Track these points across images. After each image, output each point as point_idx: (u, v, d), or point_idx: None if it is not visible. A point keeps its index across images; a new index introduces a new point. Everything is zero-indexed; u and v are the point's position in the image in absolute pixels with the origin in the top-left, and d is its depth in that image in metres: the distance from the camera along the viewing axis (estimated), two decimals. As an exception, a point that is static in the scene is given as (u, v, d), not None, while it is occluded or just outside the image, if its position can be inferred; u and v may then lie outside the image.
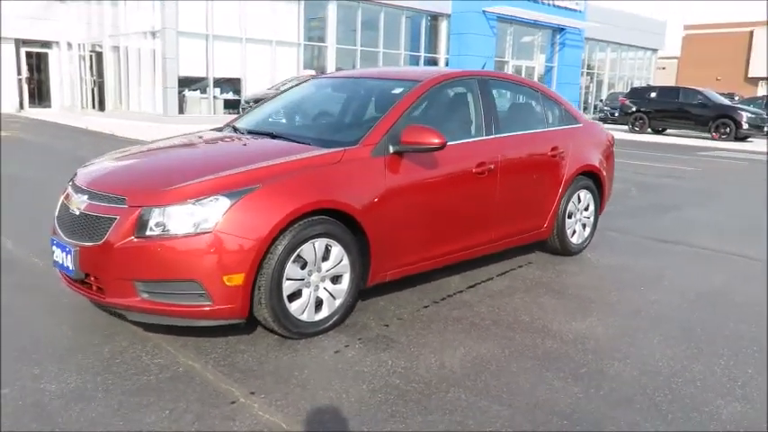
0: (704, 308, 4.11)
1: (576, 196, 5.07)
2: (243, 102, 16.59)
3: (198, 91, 18.51)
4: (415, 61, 23.96)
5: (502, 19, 24.45)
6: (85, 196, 3.28)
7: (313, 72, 20.14)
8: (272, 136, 3.96)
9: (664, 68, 52.69)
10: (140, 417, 2.56)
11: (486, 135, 4.30)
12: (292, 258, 3.20)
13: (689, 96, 20.83)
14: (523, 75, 26.56)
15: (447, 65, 24.50)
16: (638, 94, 22.61)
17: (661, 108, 21.22)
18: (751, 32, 60.40)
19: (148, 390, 2.78)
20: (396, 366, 3.09)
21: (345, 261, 3.45)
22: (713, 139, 19.76)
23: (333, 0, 20.62)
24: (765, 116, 20.33)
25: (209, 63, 18.44)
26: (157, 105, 18.22)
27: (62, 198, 3.61)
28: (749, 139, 20.18)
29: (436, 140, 3.62)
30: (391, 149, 3.66)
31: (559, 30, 27.33)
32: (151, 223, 3.02)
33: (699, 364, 3.23)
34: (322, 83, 4.95)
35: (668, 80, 50.62)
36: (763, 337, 3.63)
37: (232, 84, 19.21)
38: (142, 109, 18.98)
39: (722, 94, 24.01)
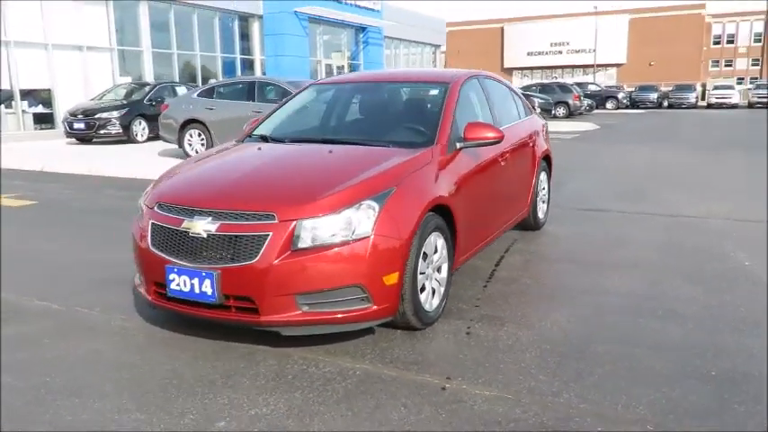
0: (677, 256, 5.07)
1: (539, 178, 5.80)
2: (67, 114, 14.89)
3: (2, 105, 16.19)
4: (230, 63, 23.46)
5: (312, 19, 24.97)
6: (209, 217, 3.13)
7: (129, 79, 18.75)
8: (332, 142, 4.04)
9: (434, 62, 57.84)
10: (384, 417, 2.64)
11: (495, 128, 4.78)
12: (422, 253, 3.41)
13: (488, 87, 23.32)
14: (334, 72, 27.41)
15: (263, 66, 24.39)
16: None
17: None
18: (502, 28, 68.71)
19: (358, 394, 2.84)
20: (528, 336, 3.47)
21: (445, 252, 3.72)
22: (514, 123, 22.38)
23: (143, 1, 19.35)
24: (552, 101, 23.60)
25: (11, 73, 16.23)
26: (-49, 124, 15.62)
27: (151, 224, 3.35)
28: (540, 122, 23.24)
29: (495, 135, 4.04)
30: (458, 145, 3.99)
31: (362, 29, 28.71)
32: (307, 235, 3.04)
33: (727, 295, 4.10)
34: (333, 88, 4.98)
35: (443, 73, 55.39)
36: (742, 270, 4.66)
37: (39, 95, 17.12)
38: (-72, 130, 16.08)
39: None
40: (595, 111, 34.62)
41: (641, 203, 7.31)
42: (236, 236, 3.06)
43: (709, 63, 72.35)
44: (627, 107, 39.52)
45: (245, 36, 24.11)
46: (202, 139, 10.93)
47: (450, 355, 3.24)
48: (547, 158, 5.99)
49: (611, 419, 2.61)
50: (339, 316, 3.12)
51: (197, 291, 3.10)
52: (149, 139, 15.26)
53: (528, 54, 65.73)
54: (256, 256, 3.01)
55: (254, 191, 3.33)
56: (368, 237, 3.09)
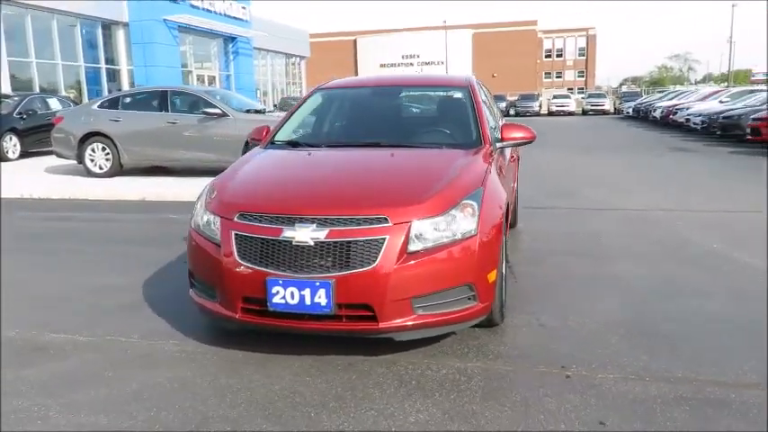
0: (654, 244, 5.55)
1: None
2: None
3: None
4: (94, 73, 21.73)
5: (182, 28, 23.87)
6: (312, 225, 2.97)
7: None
8: (374, 146, 3.98)
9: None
10: (543, 409, 2.68)
11: (498, 129, 4.97)
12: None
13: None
14: (205, 83, 26.41)
15: (132, 76, 22.88)
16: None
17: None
18: (354, 41, 70.29)
19: (494, 391, 2.86)
20: (598, 323, 3.66)
21: (504, 248, 3.82)
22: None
23: (-5, 5, 17.40)
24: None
25: None
26: None
27: (235, 235, 3.09)
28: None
29: (527, 135, 4.22)
30: (498, 145, 4.12)
31: (232, 39, 27.94)
32: (420, 237, 3.00)
33: (724, 273, 4.59)
34: (349, 93, 4.86)
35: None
36: (716, 252, 5.22)
37: None
38: None
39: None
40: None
41: (576, 200, 7.88)
42: (349, 242, 2.94)
43: (543, 75, 79.01)
44: (483, 115, 41.96)
45: (109, 45, 22.47)
46: (107, 154, 10.06)
47: (543, 347, 3.34)
48: (518, 160, 6.30)
49: (736, 386, 2.85)
50: (450, 317, 3.10)
51: (307, 302, 2.92)
52: (21, 156, 13.74)
53: (381, 66, 67.54)
54: (374, 261, 2.91)
55: (357, 195, 3.21)
56: (474, 235, 3.11)
